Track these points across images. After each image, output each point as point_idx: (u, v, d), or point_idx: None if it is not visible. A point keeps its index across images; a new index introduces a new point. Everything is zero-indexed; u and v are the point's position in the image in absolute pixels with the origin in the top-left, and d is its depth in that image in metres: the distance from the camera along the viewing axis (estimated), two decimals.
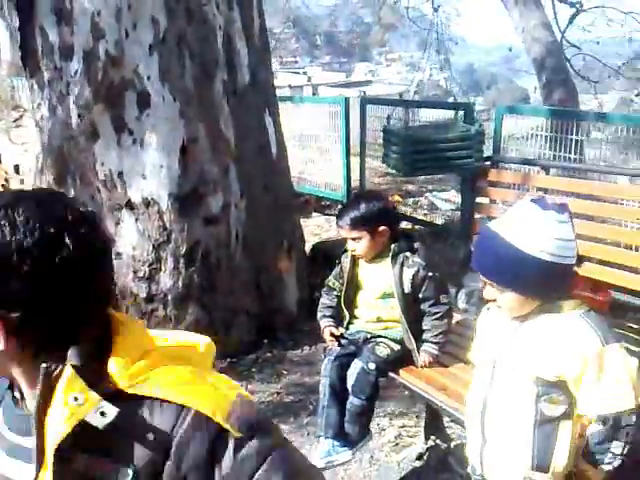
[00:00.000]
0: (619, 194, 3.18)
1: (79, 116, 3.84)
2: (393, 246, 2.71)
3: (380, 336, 2.77)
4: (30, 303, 0.84)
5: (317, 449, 2.69)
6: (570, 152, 4.25)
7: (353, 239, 2.69)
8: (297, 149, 6.45)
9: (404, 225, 5.45)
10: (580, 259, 1.72)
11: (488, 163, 3.53)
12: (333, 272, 2.93)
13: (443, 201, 6.36)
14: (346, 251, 2.84)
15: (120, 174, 3.92)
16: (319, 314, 2.94)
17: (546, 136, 4.28)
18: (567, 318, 1.68)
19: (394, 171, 3.90)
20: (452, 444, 3.06)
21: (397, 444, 3.16)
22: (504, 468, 1.77)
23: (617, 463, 1.63)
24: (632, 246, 3.06)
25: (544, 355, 1.67)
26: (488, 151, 4.22)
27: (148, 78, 3.83)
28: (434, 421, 3.07)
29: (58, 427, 0.83)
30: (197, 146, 4.01)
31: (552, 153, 4.35)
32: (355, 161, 5.98)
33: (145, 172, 3.92)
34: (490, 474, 1.82)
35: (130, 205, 3.96)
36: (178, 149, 3.94)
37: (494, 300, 1.75)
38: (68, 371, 0.85)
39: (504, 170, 3.55)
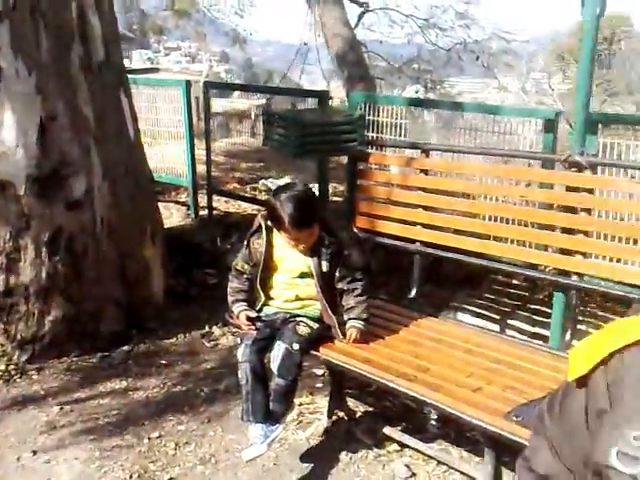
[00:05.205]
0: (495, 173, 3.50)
1: None
2: None
3: (299, 315, 2.80)
4: None
5: (250, 435, 2.66)
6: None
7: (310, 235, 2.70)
8: None
9: (255, 208, 5.47)
10: None
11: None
12: (240, 255, 2.90)
13: None
14: (256, 233, 2.83)
15: None
16: (231, 299, 2.89)
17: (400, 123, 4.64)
18: None
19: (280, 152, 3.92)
20: (355, 416, 3.20)
21: (301, 422, 3.21)
22: None
23: None
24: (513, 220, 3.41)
25: None
26: None
27: None
28: (338, 396, 3.18)
29: None
30: (56, 124, 3.67)
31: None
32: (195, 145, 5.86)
33: None
34: None
35: None
36: (36, 127, 3.59)
37: None
38: None
39: (385, 153, 3.76)
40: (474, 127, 5.18)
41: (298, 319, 2.79)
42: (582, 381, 0.93)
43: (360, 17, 17.06)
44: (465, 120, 5.21)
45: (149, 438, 3.05)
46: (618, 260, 2.90)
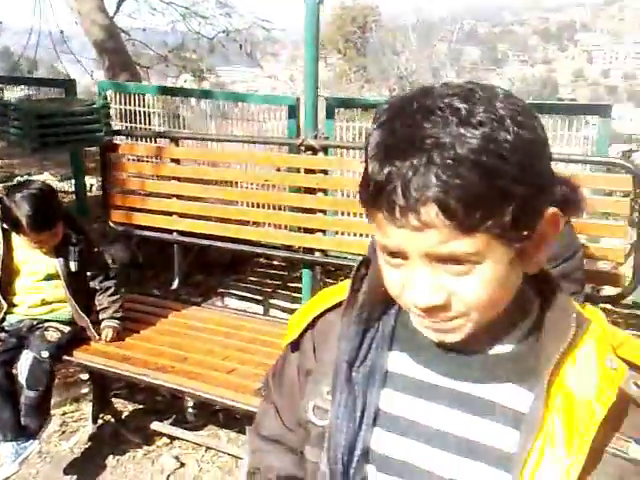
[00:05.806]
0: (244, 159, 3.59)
1: None
2: None
3: (47, 320, 2.64)
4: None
5: (2, 455, 2.46)
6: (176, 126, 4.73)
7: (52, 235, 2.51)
8: None
9: None
10: None
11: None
12: None
13: None
14: None
15: None
16: None
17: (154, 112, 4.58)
18: None
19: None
20: (123, 417, 3.11)
21: (64, 432, 3.04)
22: None
23: None
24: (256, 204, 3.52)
25: None
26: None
27: None
28: (102, 399, 3.07)
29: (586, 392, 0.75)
30: None
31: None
32: None
33: None
34: None
35: None
36: None
37: None
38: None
39: (135, 143, 3.66)
40: (233, 115, 5.27)
41: (46, 324, 2.63)
42: (295, 345, 0.99)
43: (119, 4, 16.40)
44: (226, 109, 5.27)
45: None
46: (361, 235, 3.12)
